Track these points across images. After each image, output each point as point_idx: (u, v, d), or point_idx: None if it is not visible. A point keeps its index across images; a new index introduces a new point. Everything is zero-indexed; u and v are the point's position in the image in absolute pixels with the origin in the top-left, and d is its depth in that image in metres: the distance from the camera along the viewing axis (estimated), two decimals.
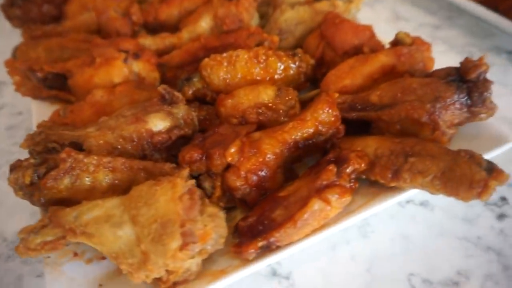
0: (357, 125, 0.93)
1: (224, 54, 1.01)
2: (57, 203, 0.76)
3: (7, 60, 1.03)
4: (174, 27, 1.30)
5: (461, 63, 0.83)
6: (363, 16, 1.25)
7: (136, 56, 1.04)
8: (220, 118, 0.96)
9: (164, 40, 1.18)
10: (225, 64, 1.00)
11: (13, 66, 1.03)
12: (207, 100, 1.03)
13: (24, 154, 0.84)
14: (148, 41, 1.17)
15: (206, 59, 1.01)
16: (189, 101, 1.03)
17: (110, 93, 0.98)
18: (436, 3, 1.52)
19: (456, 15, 1.48)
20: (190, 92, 1.02)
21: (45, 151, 0.85)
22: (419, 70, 0.96)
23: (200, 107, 1.02)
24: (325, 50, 1.06)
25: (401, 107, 0.85)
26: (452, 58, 1.30)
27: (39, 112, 1.04)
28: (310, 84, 1.09)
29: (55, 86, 1.06)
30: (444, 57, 1.31)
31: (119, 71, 1.01)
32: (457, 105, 0.81)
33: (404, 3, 1.56)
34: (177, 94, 0.93)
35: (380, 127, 0.90)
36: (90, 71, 1.01)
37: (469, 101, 0.81)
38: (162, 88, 0.93)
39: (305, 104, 0.99)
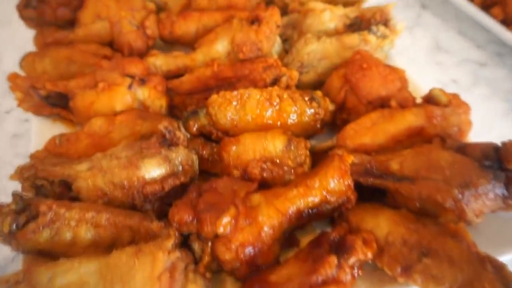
0: (371, 190, 0.83)
1: (235, 92, 0.92)
2: (36, 253, 0.72)
3: (10, 75, 0.98)
4: (190, 43, 1.22)
5: (503, 146, 0.71)
6: (399, 42, 1.12)
7: (142, 82, 0.97)
8: (222, 163, 0.88)
9: (176, 60, 1.10)
10: (235, 103, 0.91)
11: (15, 82, 0.98)
12: (212, 138, 0.95)
13: None
14: (159, 61, 1.09)
15: (215, 96, 0.92)
16: (194, 136, 0.97)
17: (110, 123, 0.92)
18: (485, 36, 1.35)
19: (507, 52, 1.31)
20: (195, 127, 0.95)
21: (34, 186, 0.81)
22: (452, 135, 0.84)
23: (204, 144, 0.95)
24: (347, 95, 0.95)
25: (423, 184, 0.74)
26: (495, 106, 1.16)
27: (39, 130, 1.00)
28: (327, 128, 0.99)
29: (58, 104, 1.01)
30: (485, 103, 1.17)
31: (122, 98, 0.95)
32: (491, 195, 0.69)
33: (448, 31, 1.40)
34: (178, 134, 0.86)
35: (396, 200, 0.80)
36: (92, 96, 0.95)
37: (505, 193, 0.69)
38: (163, 126, 0.86)
39: (317, 156, 0.90)
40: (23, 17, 1.23)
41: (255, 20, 1.05)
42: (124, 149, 0.83)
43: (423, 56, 1.31)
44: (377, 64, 0.92)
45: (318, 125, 0.94)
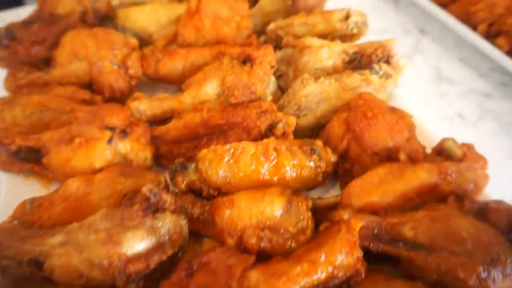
0: (382, 257, 0.75)
1: (227, 146, 0.83)
2: None
3: None
4: (176, 81, 1.13)
5: None
6: None
7: (124, 134, 0.88)
8: (215, 228, 0.79)
9: (162, 103, 1.01)
10: (227, 158, 0.82)
11: None
12: (202, 196, 0.86)
13: None
14: (143, 105, 1.00)
15: (205, 151, 0.83)
16: (182, 192, 0.88)
17: (88, 183, 0.82)
18: (488, 64, 1.29)
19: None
20: (183, 184, 0.86)
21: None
22: (468, 192, 0.76)
23: (194, 201, 0.85)
24: (351, 144, 0.86)
25: (442, 256, 0.66)
26: (501, 142, 1.09)
27: (9, 190, 0.90)
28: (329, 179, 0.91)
29: (30, 158, 0.91)
30: (492, 140, 1.10)
31: (101, 154, 0.85)
32: None
33: (450, 58, 1.33)
34: (164, 197, 0.77)
35: (411, 269, 0.71)
36: (68, 152, 0.85)
37: None
38: (147, 189, 0.76)
39: (320, 212, 0.82)
40: None
41: (247, 60, 0.97)
42: (104, 220, 0.73)
43: (426, 87, 1.24)
44: (382, 111, 0.84)
45: (320, 178, 0.86)
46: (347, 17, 1.06)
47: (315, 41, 1.00)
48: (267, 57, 0.96)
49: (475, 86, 1.24)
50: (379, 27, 1.47)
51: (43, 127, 0.96)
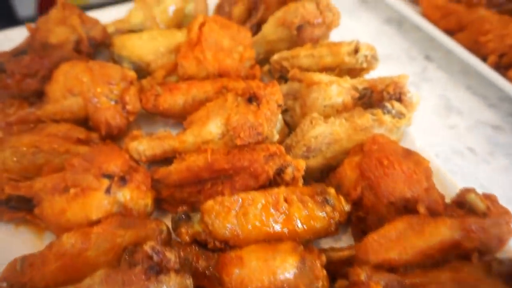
0: None
1: (235, 197, 0.78)
2: None
3: None
4: (176, 115, 1.07)
5: None
6: None
7: (123, 182, 0.82)
8: (223, 286, 0.73)
9: (162, 142, 0.95)
10: (235, 211, 0.77)
11: None
12: (208, 248, 0.81)
13: None
14: (143, 146, 0.94)
15: (211, 203, 0.78)
16: (186, 243, 0.82)
17: (85, 238, 0.76)
18: (496, 93, 1.25)
19: None
20: (187, 236, 0.80)
21: None
22: (491, 248, 0.72)
23: (199, 254, 0.79)
24: (365, 191, 0.82)
25: None
26: None
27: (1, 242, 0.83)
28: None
29: (21, 207, 0.85)
30: (504, 175, 1.06)
31: (98, 205, 0.79)
32: None
33: (457, 87, 1.30)
34: (168, 255, 0.71)
35: None
36: (62, 203, 0.79)
37: None
38: (149, 247, 0.70)
39: (333, 265, 0.77)
40: None
41: (253, 98, 0.92)
42: (103, 285, 0.67)
43: (434, 118, 1.20)
44: (399, 159, 0.79)
45: (332, 228, 0.81)
46: (356, 50, 1.02)
47: (324, 77, 0.96)
48: (274, 95, 0.91)
49: (484, 117, 1.21)
50: (383, 52, 1.43)
51: (35, 171, 0.90)
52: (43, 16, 1.18)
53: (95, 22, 1.19)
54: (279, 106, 0.92)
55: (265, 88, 0.91)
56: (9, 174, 0.86)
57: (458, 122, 1.19)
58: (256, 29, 1.28)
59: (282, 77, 1.16)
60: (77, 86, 0.99)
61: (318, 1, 1.09)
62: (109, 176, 0.81)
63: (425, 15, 1.38)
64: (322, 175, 0.96)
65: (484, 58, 1.20)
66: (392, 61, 1.40)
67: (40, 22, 1.17)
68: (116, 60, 1.21)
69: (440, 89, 1.29)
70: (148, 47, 1.19)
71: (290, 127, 1.06)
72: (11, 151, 0.89)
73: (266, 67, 1.18)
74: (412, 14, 1.38)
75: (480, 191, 0.76)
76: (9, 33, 1.52)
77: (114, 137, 1.03)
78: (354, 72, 1.06)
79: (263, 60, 1.26)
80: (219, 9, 1.33)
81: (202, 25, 1.08)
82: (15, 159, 0.88)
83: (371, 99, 0.99)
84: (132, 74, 1.05)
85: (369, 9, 1.63)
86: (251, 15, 1.32)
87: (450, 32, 1.29)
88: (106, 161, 0.83)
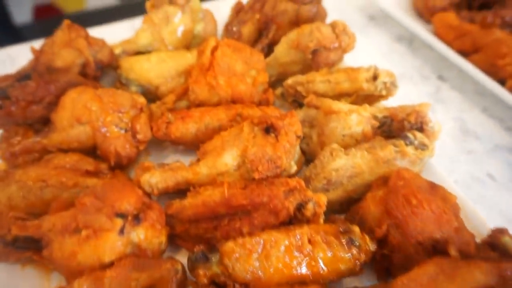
0: None
1: (256, 239, 0.74)
2: None
3: None
4: (188, 143, 1.04)
5: None
6: None
7: (137, 221, 0.78)
8: None
9: (175, 174, 0.91)
10: (257, 254, 0.73)
11: None
12: None
13: None
14: (155, 178, 0.90)
15: (231, 244, 0.74)
16: (203, 285, 0.78)
17: (98, 284, 0.71)
18: None
19: None
20: (205, 278, 0.76)
21: None
22: None
23: None
24: (391, 229, 0.78)
25: None
26: None
27: (4, 284, 0.79)
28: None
29: (28, 247, 0.81)
30: None
31: (111, 246, 0.74)
32: None
33: (472, 108, 1.27)
34: None
35: None
36: (73, 245, 0.74)
37: None
38: None
39: None
40: None
41: (270, 128, 0.88)
42: None
43: (451, 142, 1.17)
44: (427, 198, 0.76)
45: (357, 269, 0.77)
46: (374, 77, 0.99)
47: (343, 106, 0.93)
48: (293, 126, 0.87)
49: (502, 141, 1.18)
50: (395, 71, 1.40)
51: (43, 207, 0.86)
52: (48, 38, 1.14)
53: (102, 44, 1.15)
54: (298, 137, 0.88)
55: (283, 119, 0.88)
56: (15, 212, 0.81)
57: (475, 147, 1.16)
58: (267, 49, 1.25)
59: (296, 101, 1.13)
60: (85, 115, 0.95)
61: (334, 25, 1.06)
62: (123, 216, 0.77)
63: (438, 34, 1.35)
64: (341, 208, 0.92)
65: (501, 81, 1.17)
66: (405, 80, 1.37)
67: (45, 45, 1.13)
68: (123, 83, 1.18)
69: (455, 111, 1.27)
70: (157, 70, 1.15)
71: (306, 155, 1.03)
72: (17, 186, 0.85)
73: (278, 90, 1.15)
74: (425, 34, 1.36)
75: (503, 221, 0.73)
76: (12, 52, 1.48)
77: (123, 166, 0.99)
78: (371, 98, 1.03)
79: (275, 82, 1.23)
80: (227, 29, 1.30)
81: (214, 49, 1.05)
82: (21, 194, 0.84)
83: (391, 127, 0.95)
84: (142, 100, 1.01)
85: (377, 26, 1.60)
86: (261, 35, 1.28)
87: (464, 53, 1.26)
88: (119, 199, 0.79)
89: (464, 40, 1.25)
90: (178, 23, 1.21)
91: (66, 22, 1.14)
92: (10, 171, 0.88)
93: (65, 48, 1.11)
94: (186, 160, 1.08)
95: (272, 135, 0.87)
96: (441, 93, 1.32)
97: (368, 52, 1.46)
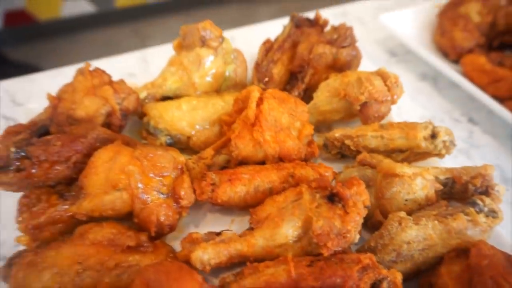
0: None
1: None
2: None
3: None
4: (234, 206, 0.94)
5: None
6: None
7: None
8: None
9: (228, 247, 0.82)
10: None
11: None
12: None
13: None
14: (207, 255, 0.80)
15: None
16: None
17: None
18: None
19: None
20: None
21: None
22: None
23: None
24: None
25: None
26: None
27: None
28: None
29: None
30: None
31: None
32: None
33: (507, 154, 1.25)
34: None
35: None
36: None
37: None
38: None
39: None
40: None
41: (334, 197, 0.81)
42: None
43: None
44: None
45: None
46: (433, 135, 0.94)
47: (407, 170, 0.87)
48: (361, 196, 0.80)
49: None
50: (424, 114, 1.38)
51: None
52: (67, 85, 1.02)
53: (129, 91, 1.04)
54: (366, 207, 0.82)
55: (350, 187, 0.81)
56: None
57: None
58: (304, 97, 1.18)
59: (340, 153, 1.07)
60: (122, 180, 0.84)
61: (386, 77, 1.00)
62: None
63: (469, 77, 1.33)
64: (407, 279, 0.86)
65: None
66: (436, 123, 1.34)
67: (63, 92, 1.01)
68: (150, 131, 1.07)
69: (491, 158, 1.24)
70: (188, 118, 1.06)
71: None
72: (49, 274, 0.73)
73: (320, 141, 1.08)
74: (455, 75, 1.33)
75: None
76: (25, 84, 1.35)
77: (162, 235, 0.89)
78: (425, 155, 0.98)
79: (318, 131, 1.16)
80: (257, 70, 1.22)
81: (260, 101, 0.96)
82: (57, 284, 0.72)
83: (452, 189, 0.91)
84: (182, 159, 0.91)
85: (399, 63, 1.57)
86: (294, 78, 1.21)
87: (500, 99, 1.24)
88: (175, 284, 0.69)
89: (499, 86, 1.24)
90: (210, 67, 1.12)
91: (87, 67, 1.03)
92: (40, 252, 0.76)
93: (88, 96, 1.00)
94: (227, 219, 1.00)
95: (339, 205, 0.80)
96: (474, 138, 1.30)
97: None
